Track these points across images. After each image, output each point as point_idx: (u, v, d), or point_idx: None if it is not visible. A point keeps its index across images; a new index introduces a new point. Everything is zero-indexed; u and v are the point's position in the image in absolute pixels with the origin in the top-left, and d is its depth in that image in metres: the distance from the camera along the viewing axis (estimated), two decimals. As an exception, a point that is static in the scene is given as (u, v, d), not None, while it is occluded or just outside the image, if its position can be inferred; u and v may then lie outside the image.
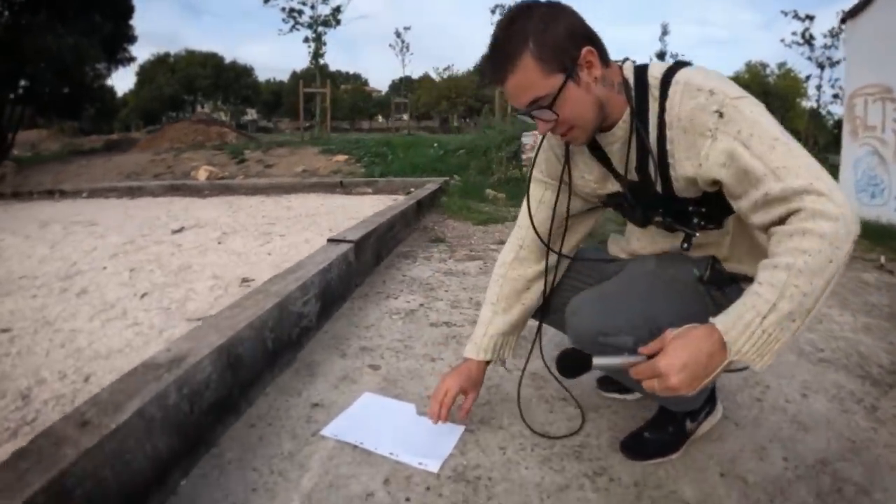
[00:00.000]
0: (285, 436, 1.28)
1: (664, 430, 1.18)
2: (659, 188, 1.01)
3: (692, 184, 0.97)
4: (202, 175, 8.29)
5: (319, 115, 14.19)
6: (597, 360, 0.95)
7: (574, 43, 0.91)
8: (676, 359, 0.84)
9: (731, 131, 0.87)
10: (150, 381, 1.07)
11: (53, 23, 9.83)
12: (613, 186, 1.11)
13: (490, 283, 1.35)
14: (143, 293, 2.39)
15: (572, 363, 0.96)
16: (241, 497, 1.06)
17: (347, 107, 31.22)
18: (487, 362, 1.29)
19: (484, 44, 0.96)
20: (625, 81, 0.98)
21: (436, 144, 8.92)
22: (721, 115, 0.87)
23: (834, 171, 5.56)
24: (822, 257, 0.80)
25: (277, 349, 1.56)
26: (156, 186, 7.62)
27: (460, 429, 1.29)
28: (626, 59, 1.02)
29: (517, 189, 5.45)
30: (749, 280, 0.89)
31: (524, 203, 1.23)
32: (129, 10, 12.91)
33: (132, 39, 13.27)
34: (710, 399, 1.26)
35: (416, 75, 37.78)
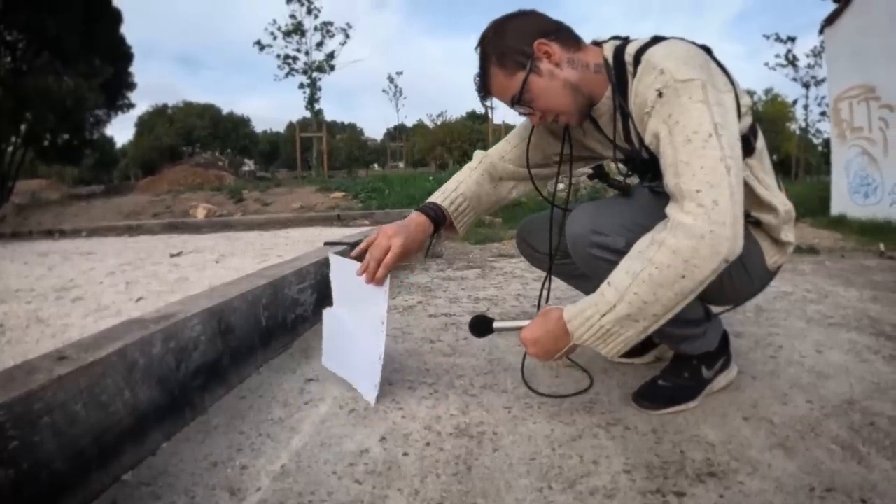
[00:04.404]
0: (276, 405, 1.20)
1: (679, 375, 1.12)
2: (645, 155, 1.03)
3: None
4: (200, 213, 8.30)
5: (316, 159, 14.38)
6: (497, 324, 1.14)
7: (524, 41, 0.99)
8: (531, 334, 1.00)
9: (663, 113, 0.89)
10: (136, 330, 1.01)
11: (54, 65, 10.02)
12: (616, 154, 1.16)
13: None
14: (138, 298, 2.33)
15: (479, 325, 1.15)
16: (225, 456, 0.98)
17: (344, 156, 31.59)
18: (434, 229, 1.22)
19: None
20: (605, 61, 1.01)
21: (431, 178, 9.00)
22: (660, 94, 0.90)
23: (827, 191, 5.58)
24: (671, 272, 0.84)
25: (272, 328, 1.50)
26: (154, 224, 7.60)
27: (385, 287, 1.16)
28: (610, 38, 1.05)
29: (512, 213, 5.45)
30: (746, 217, 0.91)
31: (520, 126, 1.27)
32: (128, 57, 13.14)
33: (131, 86, 13.48)
34: (725, 349, 1.20)
35: (410, 123, 38.59)
